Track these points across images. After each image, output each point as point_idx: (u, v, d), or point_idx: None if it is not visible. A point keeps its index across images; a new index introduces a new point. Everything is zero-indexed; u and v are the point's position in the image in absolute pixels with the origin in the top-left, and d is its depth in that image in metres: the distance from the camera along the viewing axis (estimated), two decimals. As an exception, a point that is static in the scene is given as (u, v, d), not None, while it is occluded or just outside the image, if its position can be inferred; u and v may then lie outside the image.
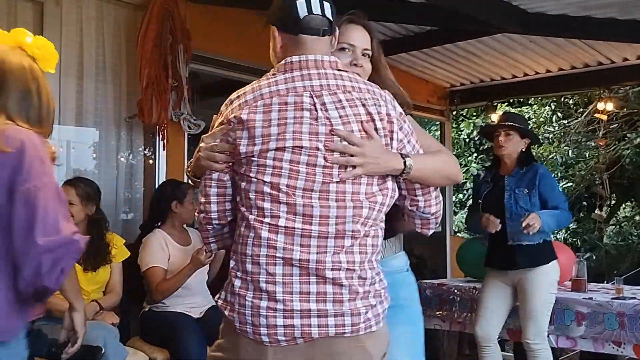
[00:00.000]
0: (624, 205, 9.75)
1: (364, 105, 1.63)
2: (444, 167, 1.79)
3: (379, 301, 1.62)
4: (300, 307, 1.54)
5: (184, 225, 3.67)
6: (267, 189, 1.57)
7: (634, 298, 3.73)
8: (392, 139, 1.66)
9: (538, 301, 3.59)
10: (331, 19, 1.71)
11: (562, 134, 8.93)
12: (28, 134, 1.67)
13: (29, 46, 1.79)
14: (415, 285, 2.06)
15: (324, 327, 1.54)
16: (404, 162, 1.64)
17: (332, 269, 1.55)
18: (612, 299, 3.73)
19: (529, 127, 4.39)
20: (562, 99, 8.68)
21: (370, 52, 1.94)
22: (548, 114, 8.90)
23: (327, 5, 1.71)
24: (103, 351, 2.71)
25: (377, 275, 1.64)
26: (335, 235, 1.56)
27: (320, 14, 1.69)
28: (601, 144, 7.91)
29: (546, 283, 3.64)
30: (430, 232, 1.83)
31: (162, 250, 3.45)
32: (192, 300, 3.48)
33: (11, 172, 1.60)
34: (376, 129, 1.63)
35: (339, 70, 1.69)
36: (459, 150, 9.28)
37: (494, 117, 5.85)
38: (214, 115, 1.79)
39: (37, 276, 1.55)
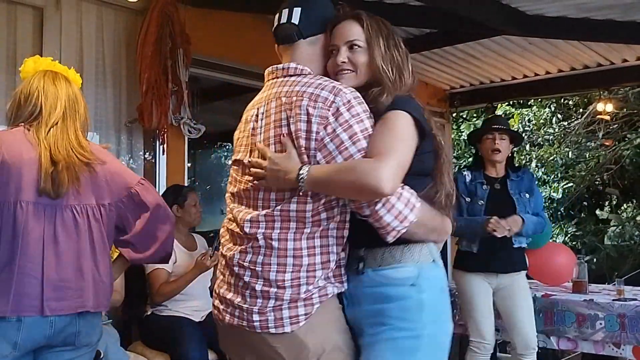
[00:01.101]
0: (624, 206, 9.74)
1: (287, 110, 1.69)
2: (348, 176, 1.58)
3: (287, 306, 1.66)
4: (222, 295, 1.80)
5: (188, 230, 3.70)
6: (227, 196, 1.87)
7: (635, 299, 3.73)
8: (308, 139, 1.64)
9: (528, 308, 3.63)
10: (296, 23, 1.76)
11: (562, 135, 8.93)
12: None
13: (72, 74, 2.20)
14: (421, 303, 1.68)
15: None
16: (298, 175, 1.62)
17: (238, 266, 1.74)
18: (613, 300, 3.73)
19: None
20: (562, 100, 8.69)
21: (360, 42, 1.77)
22: (548, 116, 8.90)
23: (296, 10, 1.76)
24: (102, 355, 2.71)
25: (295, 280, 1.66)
26: (247, 236, 1.71)
27: (286, 21, 1.76)
28: (607, 144, 7.93)
29: (527, 286, 3.71)
30: (390, 238, 1.66)
31: None
32: (194, 304, 3.48)
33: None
34: (290, 133, 1.67)
35: (293, 75, 1.75)
36: (459, 151, 9.27)
37: (479, 122, 5.85)
38: None
39: None
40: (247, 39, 4.57)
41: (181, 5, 3.95)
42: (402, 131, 1.64)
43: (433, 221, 1.73)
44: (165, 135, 3.95)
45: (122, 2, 3.34)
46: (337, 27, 1.80)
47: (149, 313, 3.47)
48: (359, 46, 1.77)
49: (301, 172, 1.62)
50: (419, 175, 1.71)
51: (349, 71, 1.77)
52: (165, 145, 3.99)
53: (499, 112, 7.35)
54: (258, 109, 1.78)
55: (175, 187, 3.77)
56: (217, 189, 10.81)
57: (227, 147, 10.44)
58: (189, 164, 4.67)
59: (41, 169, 1.93)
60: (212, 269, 3.56)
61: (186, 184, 4.22)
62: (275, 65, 1.82)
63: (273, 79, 1.81)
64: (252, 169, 1.72)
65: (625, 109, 7.92)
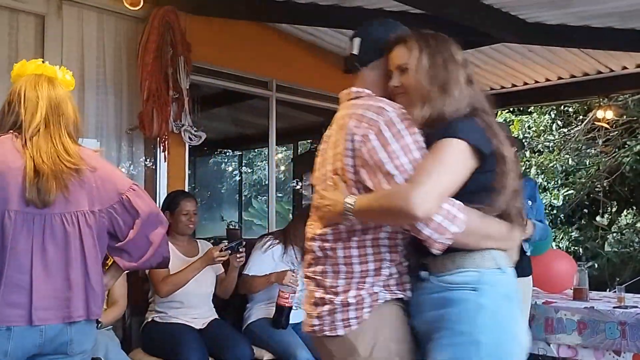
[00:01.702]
0: (625, 213, 9.74)
1: (340, 131, 1.83)
2: (385, 202, 1.68)
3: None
4: None
5: (189, 237, 3.70)
6: None
7: (636, 307, 3.73)
8: (352, 157, 1.78)
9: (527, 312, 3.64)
10: (356, 53, 1.92)
11: (562, 142, 8.94)
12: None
13: (62, 75, 2.13)
14: (480, 307, 1.69)
15: None
16: (344, 207, 1.74)
17: None
18: (613, 307, 3.72)
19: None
20: (562, 107, 8.69)
21: (406, 64, 1.82)
22: (548, 122, 8.91)
23: (356, 41, 1.93)
24: (102, 360, 2.71)
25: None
26: (310, 249, 1.90)
27: (350, 52, 1.94)
28: (607, 151, 7.95)
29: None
30: (435, 250, 1.70)
31: None
32: (195, 311, 3.48)
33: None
34: (339, 153, 1.81)
35: (353, 98, 1.89)
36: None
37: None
38: None
39: None
40: (247, 47, 4.59)
41: (182, 13, 3.97)
42: (446, 157, 1.69)
43: (487, 229, 1.75)
44: (166, 142, 3.96)
45: (123, 10, 3.36)
46: (390, 52, 1.89)
47: (149, 320, 3.47)
48: (407, 68, 1.83)
49: (348, 203, 1.74)
50: (478, 192, 1.75)
51: (401, 93, 1.85)
52: (166, 152, 4.00)
53: (499, 119, 7.36)
54: (328, 130, 1.95)
55: (173, 193, 3.79)
56: (218, 195, 10.84)
57: (228, 153, 10.46)
58: (190, 171, 4.68)
59: (26, 179, 1.91)
60: (222, 275, 3.58)
61: (186, 191, 4.22)
62: (344, 90, 1.97)
63: (340, 103, 1.96)
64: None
65: (625, 116, 7.93)
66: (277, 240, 3.79)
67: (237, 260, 3.48)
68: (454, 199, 1.68)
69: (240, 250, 3.45)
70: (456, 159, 1.69)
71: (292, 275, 3.52)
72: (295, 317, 3.52)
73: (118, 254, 2.10)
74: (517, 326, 1.75)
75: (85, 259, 1.97)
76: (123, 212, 2.05)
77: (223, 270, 3.66)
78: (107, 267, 2.18)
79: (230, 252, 3.41)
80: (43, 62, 2.12)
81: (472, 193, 1.71)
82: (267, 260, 3.70)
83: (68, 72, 2.15)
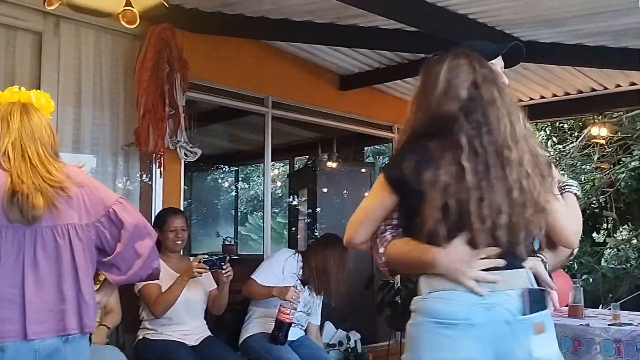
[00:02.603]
0: (620, 229, 9.76)
1: None
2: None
3: None
4: None
5: (181, 253, 3.70)
6: None
7: (631, 324, 3.72)
8: None
9: None
10: None
11: (557, 158, 8.98)
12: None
13: (36, 99, 2.13)
14: (408, 334, 1.77)
15: None
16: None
17: None
18: (608, 325, 3.72)
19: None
20: (557, 124, 8.74)
21: None
22: (543, 139, 8.96)
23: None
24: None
25: None
26: None
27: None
28: (602, 167, 7.96)
29: None
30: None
31: None
32: (185, 327, 3.46)
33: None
34: None
35: None
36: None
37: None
38: None
39: None
40: (243, 64, 4.61)
41: (178, 30, 4.00)
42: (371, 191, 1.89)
43: (405, 256, 1.80)
44: (162, 158, 3.97)
45: (120, 27, 3.38)
46: None
47: (140, 337, 3.45)
48: None
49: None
50: (406, 219, 1.82)
51: None
52: (162, 169, 4.01)
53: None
54: None
55: (162, 210, 3.84)
56: (214, 211, 10.82)
57: (224, 169, 10.47)
58: (185, 187, 4.69)
59: (4, 198, 1.91)
60: (214, 291, 3.57)
61: (182, 207, 4.23)
62: None
63: None
64: None
65: (619, 133, 7.97)
66: (298, 257, 3.80)
67: (225, 275, 3.46)
68: (385, 230, 1.85)
69: (224, 266, 3.43)
70: (374, 190, 1.87)
71: (295, 292, 3.51)
72: (293, 334, 3.52)
73: (107, 269, 2.09)
74: (422, 352, 1.69)
75: (77, 272, 1.97)
76: (110, 225, 2.05)
77: (215, 286, 3.65)
78: (99, 284, 2.17)
79: (211, 265, 3.39)
80: (19, 88, 2.13)
81: (402, 221, 1.84)
82: (276, 271, 3.72)
83: (44, 95, 2.16)
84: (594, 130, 6.08)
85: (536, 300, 1.69)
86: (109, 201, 2.07)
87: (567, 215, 1.81)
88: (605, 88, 5.30)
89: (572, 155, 8.65)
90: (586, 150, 8.41)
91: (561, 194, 1.85)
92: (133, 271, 2.07)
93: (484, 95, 1.73)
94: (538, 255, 1.84)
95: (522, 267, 1.71)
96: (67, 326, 1.93)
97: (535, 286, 1.71)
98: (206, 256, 3.45)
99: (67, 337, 1.93)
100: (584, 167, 8.85)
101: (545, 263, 1.85)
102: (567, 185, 1.90)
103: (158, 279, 2.24)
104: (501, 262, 1.64)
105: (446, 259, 1.66)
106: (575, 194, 1.89)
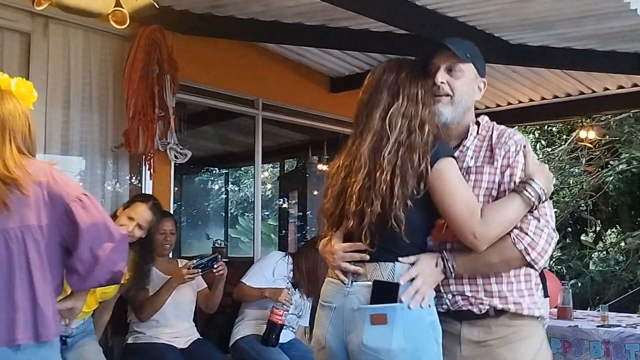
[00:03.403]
0: (609, 232, 9.83)
1: None
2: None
3: None
4: None
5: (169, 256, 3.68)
6: None
7: (619, 325, 3.75)
8: None
9: None
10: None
11: (546, 161, 9.03)
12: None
13: (16, 88, 2.02)
14: None
15: None
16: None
17: None
18: (597, 326, 3.74)
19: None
20: (546, 127, 8.80)
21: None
22: (532, 142, 9.01)
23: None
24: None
25: None
26: None
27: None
28: (590, 170, 8.01)
29: None
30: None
31: None
32: (173, 330, 3.44)
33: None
34: None
35: None
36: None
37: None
38: None
39: None
40: (233, 66, 4.61)
41: (168, 31, 3.99)
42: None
43: None
44: (152, 160, 3.96)
45: (109, 28, 3.36)
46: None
47: (129, 341, 3.43)
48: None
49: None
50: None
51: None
52: (151, 170, 3.99)
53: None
54: None
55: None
56: (203, 213, 10.80)
57: (214, 171, 10.44)
58: (175, 189, 4.67)
59: None
60: (205, 290, 3.55)
61: (172, 209, 4.21)
62: None
63: None
64: None
65: (607, 136, 8.03)
66: (288, 259, 3.79)
67: (218, 274, 3.46)
68: None
69: (215, 265, 3.42)
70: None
71: (288, 294, 3.50)
72: (284, 336, 3.51)
73: (69, 273, 1.93)
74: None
75: (31, 278, 1.83)
76: (68, 224, 1.88)
77: (205, 285, 3.64)
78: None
79: (202, 269, 3.38)
80: (2, 75, 2.03)
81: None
82: (266, 274, 3.70)
83: (25, 84, 2.04)
84: (582, 134, 6.12)
85: (381, 292, 1.75)
86: (68, 197, 1.88)
87: (469, 216, 1.73)
88: (594, 91, 5.34)
89: (561, 158, 8.70)
90: (574, 154, 8.47)
91: (514, 190, 1.79)
92: (92, 276, 1.91)
93: None
94: (444, 254, 1.81)
95: (391, 261, 1.77)
96: (16, 336, 1.80)
97: (398, 280, 1.75)
98: (195, 261, 3.43)
99: (17, 347, 1.81)
100: (572, 170, 8.90)
101: (447, 261, 1.80)
102: (524, 184, 1.79)
103: (120, 282, 2.12)
104: (366, 257, 1.79)
105: (321, 250, 1.96)
106: (528, 197, 1.76)
